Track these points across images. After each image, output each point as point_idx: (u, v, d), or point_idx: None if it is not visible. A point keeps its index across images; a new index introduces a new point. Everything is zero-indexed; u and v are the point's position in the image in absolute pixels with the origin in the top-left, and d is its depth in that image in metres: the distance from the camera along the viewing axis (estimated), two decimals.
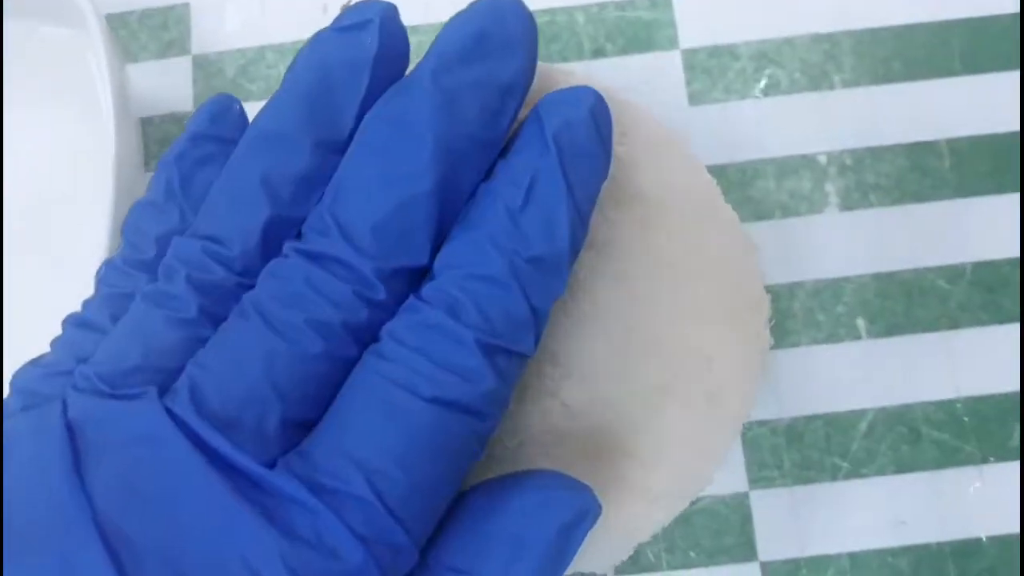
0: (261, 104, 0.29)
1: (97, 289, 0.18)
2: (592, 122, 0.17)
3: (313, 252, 0.15)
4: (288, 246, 0.16)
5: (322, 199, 0.16)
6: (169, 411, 0.14)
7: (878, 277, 0.27)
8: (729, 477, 0.26)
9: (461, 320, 0.15)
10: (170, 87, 0.30)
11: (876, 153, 0.28)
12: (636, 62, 0.29)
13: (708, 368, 0.22)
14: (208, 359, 0.15)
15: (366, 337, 0.16)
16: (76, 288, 0.26)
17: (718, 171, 0.28)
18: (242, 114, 0.19)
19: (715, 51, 0.29)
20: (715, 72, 0.29)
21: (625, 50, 0.29)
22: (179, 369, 0.15)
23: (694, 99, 0.29)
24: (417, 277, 0.16)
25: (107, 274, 0.18)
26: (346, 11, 0.18)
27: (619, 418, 0.20)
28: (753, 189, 0.28)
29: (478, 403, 0.15)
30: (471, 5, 0.18)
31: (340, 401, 0.15)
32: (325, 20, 0.30)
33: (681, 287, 0.21)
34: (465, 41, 0.17)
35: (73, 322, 0.18)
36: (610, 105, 0.19)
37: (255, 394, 0.14)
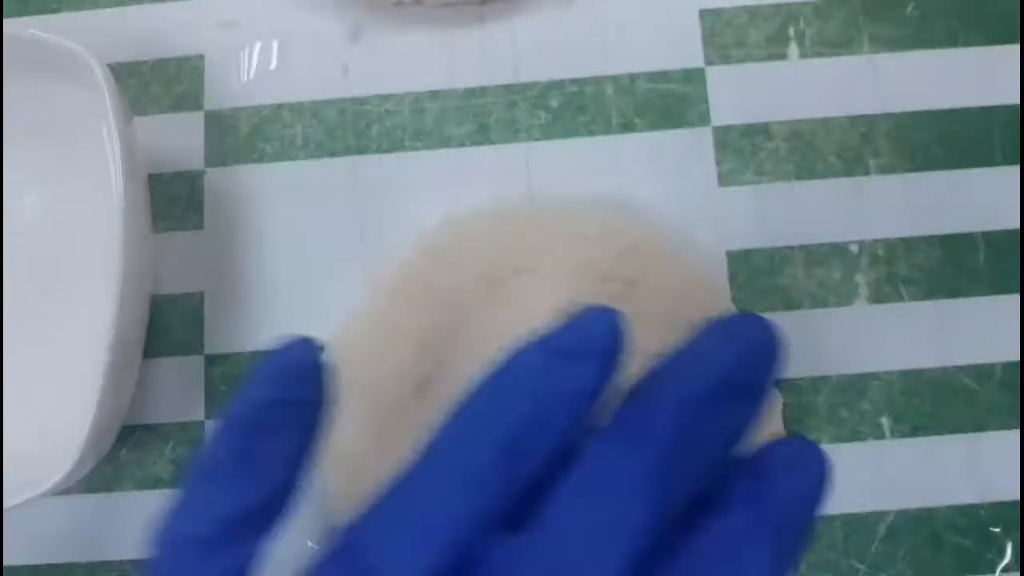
0: (276, 165, 0.29)
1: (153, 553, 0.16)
2: (818, 498, 0.17)
3: None
4: None
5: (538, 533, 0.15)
6: None
7: (905, 374, 0.27)
8: None
9: None
10: (181, 142, 0.29)
11: (910, 244, 0.27)
12: (666, 138, 0.28)
13: None
14: None
15: None
16: (82, 345, 0.25)
17: (744, 256, 0.27)
18: (324, 366, 0.18)
19: (748, 130, 0.28)
20: (747, 152, 0.28)
21: (655, 125, 0.28)
22: None
23: (724, 179, 0.28)
24: None
25: (162, 545, 0.16)
26: (567, 323, 0.16)
27: None
28: (781, 277, 0.27)
29: None
30: None
31: None
32: (345, 82, 0.29)
33: None
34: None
35: None
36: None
37: None
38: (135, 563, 0.26)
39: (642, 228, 0.26)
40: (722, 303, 0.26)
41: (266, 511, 0.17)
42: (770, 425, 0.25)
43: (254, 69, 0.29)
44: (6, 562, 0.26)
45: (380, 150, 0.28)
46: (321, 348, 0.18)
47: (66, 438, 0.22)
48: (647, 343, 0.23)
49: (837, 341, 0.27)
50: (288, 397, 0.17)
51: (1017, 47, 0.28)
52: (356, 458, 0.24)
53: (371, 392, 0.25)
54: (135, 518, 0.26)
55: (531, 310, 0.25)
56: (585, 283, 0.25)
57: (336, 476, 0.24)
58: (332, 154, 0.29)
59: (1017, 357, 0.26)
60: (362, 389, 0.25)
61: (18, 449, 0.25)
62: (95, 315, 0.26)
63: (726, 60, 0.29)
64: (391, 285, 0.26)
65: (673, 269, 0.25)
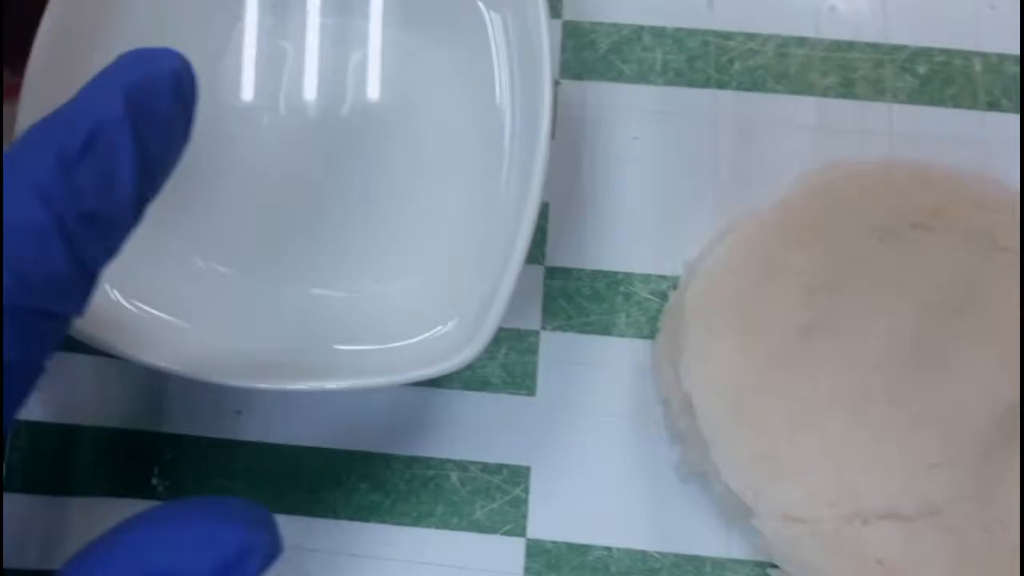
0: (633, 86, 0.28)
1: None
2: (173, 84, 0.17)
3: None
4: None
5: None
6: None
7: None
8: None
9: None
10: None
11: None
12: None
13: None
14: None
15: None
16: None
17: None
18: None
19: None
20: None
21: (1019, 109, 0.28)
22: None
23: None
24: None
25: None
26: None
27: None
28: None
29: None
30: None
31: None
32: (710, 14, 0.28)
33: None
34: None
35: None
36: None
37: None
38: (454, 463, 0.25)
39: None
40: None
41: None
42: None
43: None
44: (330, 444, 0.25)
45: (740, 87, 0.28)
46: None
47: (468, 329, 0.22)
48: None
49: None
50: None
51: None
52: (738, 391, 0.23)
53: (755, 327, 0.24)
54: (457, 417, 0.25)
55: (928, 268, 0.24)
56: (983, 251, 0.24)
57: (716, 407, 0.23)
58: (691, 84, 0.28)
59: None
60: (746, 323, 0.24)
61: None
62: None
63: None
64: (774, 223, 0.25)
65: None
